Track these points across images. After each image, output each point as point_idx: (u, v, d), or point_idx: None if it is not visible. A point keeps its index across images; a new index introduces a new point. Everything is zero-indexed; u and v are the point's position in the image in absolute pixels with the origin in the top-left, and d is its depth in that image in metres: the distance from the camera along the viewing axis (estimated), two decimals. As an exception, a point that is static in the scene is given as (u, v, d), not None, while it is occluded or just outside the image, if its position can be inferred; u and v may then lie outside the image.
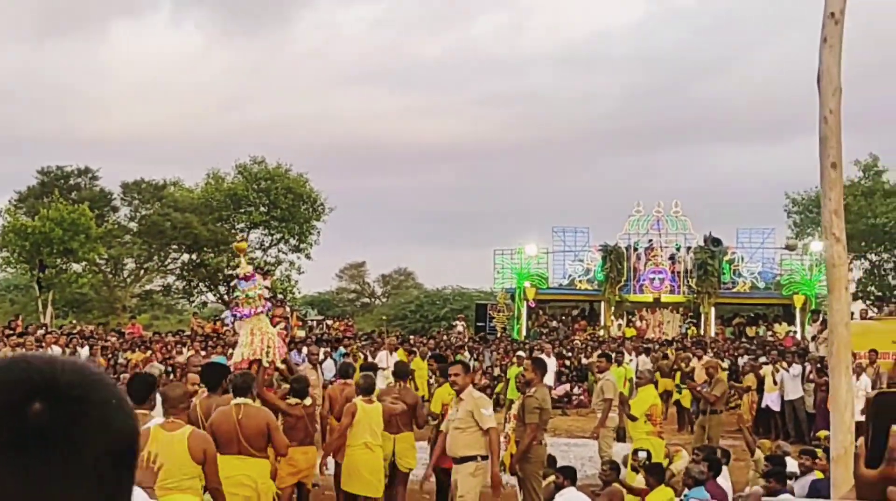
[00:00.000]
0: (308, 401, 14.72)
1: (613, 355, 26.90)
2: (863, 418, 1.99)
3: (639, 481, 16.05)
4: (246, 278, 14.20)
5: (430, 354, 31.09)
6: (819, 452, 15.41)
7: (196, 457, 9.92)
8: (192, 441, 9.97)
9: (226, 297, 59.74)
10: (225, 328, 42.26)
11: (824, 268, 7.19)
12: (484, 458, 13.63)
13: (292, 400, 14.51)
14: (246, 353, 13.79)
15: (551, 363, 34.08)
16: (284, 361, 15.10)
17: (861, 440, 1.97)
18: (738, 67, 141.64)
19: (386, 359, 29.28)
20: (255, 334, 13.86)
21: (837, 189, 6.54)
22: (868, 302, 53.87)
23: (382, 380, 21.89)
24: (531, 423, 14.96)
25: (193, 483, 9.98)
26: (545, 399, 15.32)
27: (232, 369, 13.07)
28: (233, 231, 63.59)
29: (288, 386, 15.09)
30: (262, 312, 13.97)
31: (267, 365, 13.84)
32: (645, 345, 38.87)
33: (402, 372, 17.53)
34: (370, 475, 14.76)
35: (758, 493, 2.34)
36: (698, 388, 24.81)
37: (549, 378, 33.16)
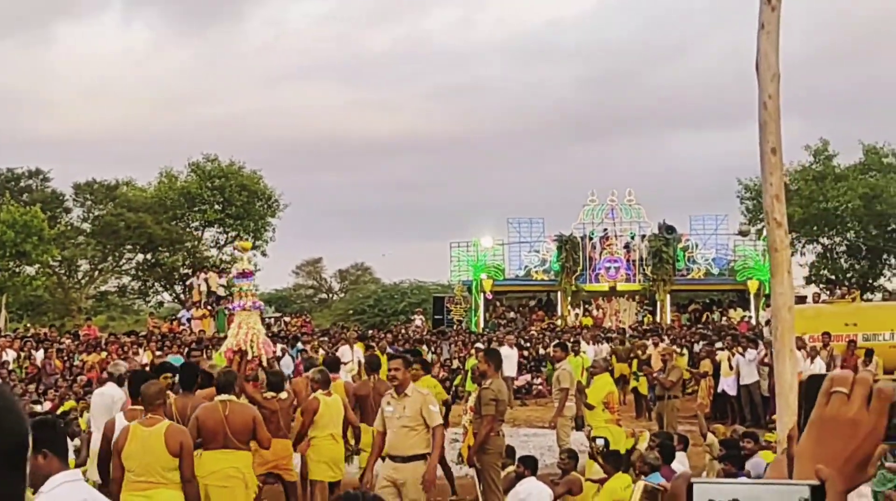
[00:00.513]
0: (283, 395, 15.11)
1: (570, 344, 26.91)
2: None
3: (597, 469, 16.15)
4: (244, 275, 14.91)
5: (404, 350, 31.13)
6: (768, 435, 15.57)
7: (173, 451, 10.40)
8: (169, 435, 10.47)
9: (182, 296, 59.50)
10: (182, 328, 42.17)
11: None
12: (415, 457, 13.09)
13: (268, 394, 14.88)
14: (230, 343, 14.50)
15: (513, 354, 34.19)
16: (268, 362, 15.80)
17: (795, 422, 2.02)
18: (690, 56, 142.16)
19: (349, 353, 29.38)
20: (241, 327, 14.45)
21: (777, 174, 6.60)
22: (821, 286, 54.22)
23: (346, 374, 22.11)
24: (487, 414, 14.99)
25: (174, 475, 10.45)
26: (501, 391, 15.31)
27: (223, 357, 13.91)
28: (187, 230, 63.41)
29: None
30: (253, 308, 14.60)
31: (250, 359, 14.41)
32: (604, 334, 38.97)
33: (374, 365, 17.96)
34: (336, 463, 15.51)
35: (686, 474, 2.38)
36: (654, 374, 24.99)
37: (512, 369, 33.32)
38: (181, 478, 10.54)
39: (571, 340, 31.61)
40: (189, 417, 12.43)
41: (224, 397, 12.51)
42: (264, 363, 15.75)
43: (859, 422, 1.79)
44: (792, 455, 1.95)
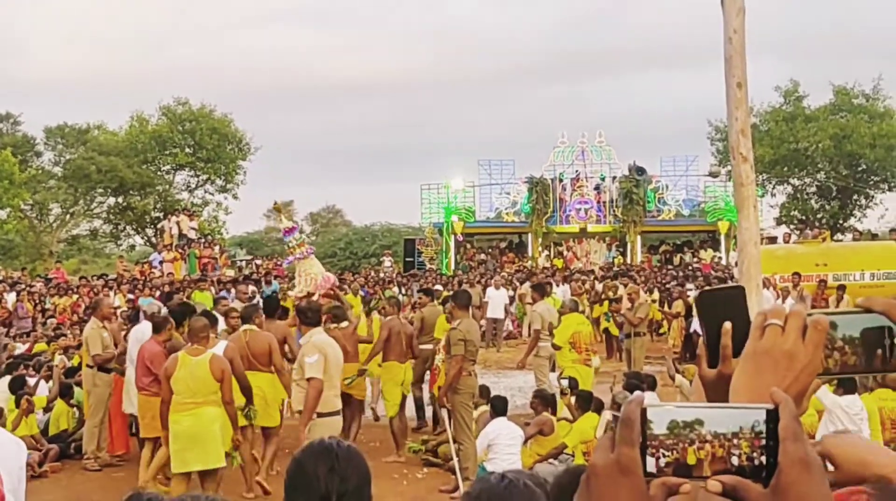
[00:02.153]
0: (345, 324, 16.82)
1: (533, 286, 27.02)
2: None
3: (564, 410, 16.24)
4: (289, 232, 16.63)
5: (418, 289, 31.18)
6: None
7: (216, 376, 12.34)
8: (213, 363, 12.38)
9: (153, 239, 59.44)
10: (153, 270, 42.12)
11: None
12: (321, 415, 12.37)
13: (331, 326, 16.04)
14: (298, 291, 16.62)
15: (499, 295, 34.32)
16: (332, 292, 17.42)
17: (702, 341, 2.02)
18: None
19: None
20: (301, 275, 16.58)
21: (743, 109, 6.59)
22: (791, 226, 54.46)
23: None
24: (456, 354, 14.94)
25: (216, 397, 12.40)
26: (469, 331, 15.20)
27: (295, 301, 15.79)
28: (158, 173, 63.16)
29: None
30: (306, 256, 16.38)
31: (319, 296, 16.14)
32: (573, 275, 39.08)
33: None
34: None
35: (639, 398, 2.36)
36: (622, 311, 25.11)
37: (500, 310, 33.43)
38: (222, 399, 12.46)
39: (544, 281, 31.71)
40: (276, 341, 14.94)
41: (245, 326, 14.90)
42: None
43: (795, 354, 1.79)
44: (705, 376, 1.96)
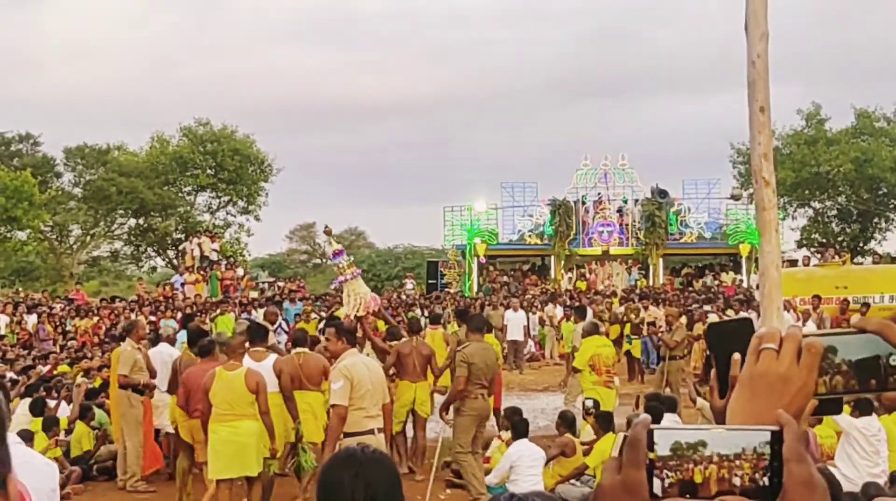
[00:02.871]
0: (403, 340, 18.34)
1: (574, 308, 27.11)
2: None
3: (589, 430, 16.26)
4: (338, 254, 17.45)
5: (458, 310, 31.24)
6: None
7: (251, 389, 13.12)
8: (248, 377, 13.21)
9: (175, 261, 59.46)
10: (174, 292, 42.16)
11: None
12: (347, 435, 12.17)
13: (388, 344, 18.09)
14: (346, 311, 17.13)
15: (519, 317, 34.37)
16: (379, 312, 18.38)
17: (713, 373, 2.05)
18: (686, 17, 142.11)
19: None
20: (349, 296, 17.02)
21: (766, 133, 6.62)
22: (812, 250, 54.30)
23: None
24: (459, 376, 15.08)
25: (252, 409, 13.19)
26: (474, 354, 15.17)
27: (343, 321, 15.81)
28: (179, 195, 63.22)
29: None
30: (353, 277, 17.14)
31: (362, 316, 16.84)
32: (594, 298, 39.11)
33: (415, 328, 18.79)
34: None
35: (646, 420, 2.36)
36: (659, 334, 25.15)
37: (519, 332, 33.46)
38: (259, 411, 13.22)
39: (577, 305, 31.66)
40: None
41: (299, 349, 16.03)
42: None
43: (790, 378, 1.81)
44: (716, 407, 1.99)
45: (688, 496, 1.62)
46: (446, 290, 50.20)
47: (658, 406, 15.05)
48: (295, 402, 14.60)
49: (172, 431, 16.43)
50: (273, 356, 15.11)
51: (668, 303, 36.01)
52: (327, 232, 19.63)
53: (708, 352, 2.07)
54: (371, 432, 12.50)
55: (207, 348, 15.30)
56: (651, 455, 1.63)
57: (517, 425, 15.11)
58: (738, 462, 1.61)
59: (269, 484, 14.27)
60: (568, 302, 36.88)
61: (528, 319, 35.96)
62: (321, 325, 23.41)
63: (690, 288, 46.43)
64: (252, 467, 13.38)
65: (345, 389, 12.18)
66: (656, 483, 1.62)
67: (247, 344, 14.94)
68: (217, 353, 15.08)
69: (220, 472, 13.33)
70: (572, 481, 15.09)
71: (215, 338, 16.05)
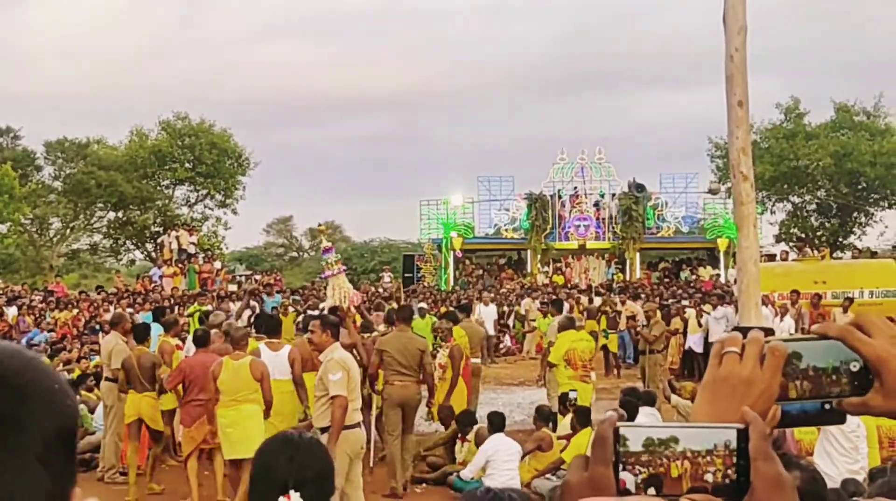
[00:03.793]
0: (375, 334, 18.52)
1: (550, 301, 27.14)
2: None
3: (565, 424, 16.27)
4: (327, 250, 18.56)
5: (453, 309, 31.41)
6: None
7: (256, 377, 14.02)
8: (252, 366, 14.11)
9: (153, 254, 59.42)
10: (153, 285, 42.12)
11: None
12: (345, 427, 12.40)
13: (365, 335, 18.15)
14: (329, 303, 18.00)
15: (490, 311, 34.40)
16: (357, 307, 18.70)
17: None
18: (662, 12, 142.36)
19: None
20: (334, 289, 17.94)
21: (744, 127, 6.60)
22: (790, 244, 54.41)
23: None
24: (373, 361, 16.27)
25: (256, 396, 14.10)
26: (387, 342, 16.19)
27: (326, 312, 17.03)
28: (157, 188, 63.14)
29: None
30: (339, 273, 18.14)
31: (346, 310, 17.42)
32: (571, 292, 39.16)
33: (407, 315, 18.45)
34: None
35: (612, 417, 2.34)
36: (638, 328, 25.22)
37: (490, 326, 33.49)
38: (263, 397, 14.11)
39: (554, 298, 31.70)
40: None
41: (308, 335, 14.94)
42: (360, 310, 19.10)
43: (753, 380, 1.80)
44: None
45: (653, 491, 1.60)
46: (421, 283, 50.22)
47: (633, 401, 15.08)
48: (305, 388, 15.02)
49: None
50: (288, 347, 15.80)
51: (647, 298, 36.08)
52: (321, 230, 20.76)
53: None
54: (358, 425, 12.73)
55: (203, 338, 16.03)
56: (622, 450, 1.61)
57: (493, 419, 15.19)
58: (709, 458, 1.59)
59: None
60: (544, 297, 36.88)
61: (499, 313, 36.04)
62: (299, 318, 23.51)
63: (668, 281, 46.51)
64: (254, 448, 13.24)
65: (344, 380, 12.25)
66: (629, 478, 1.61)
67: (254, 335, 16.11)
68: (212, 343, 16.06)
69: (228, 453, 14.21)
70: (548, 475, 15.10)
71: (226, 328, 16.77)
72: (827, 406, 1.86)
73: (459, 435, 16.53)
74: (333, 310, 17.32)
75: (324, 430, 12.34)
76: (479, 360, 20.11)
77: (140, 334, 17.15)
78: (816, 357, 1.84)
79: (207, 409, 14.55)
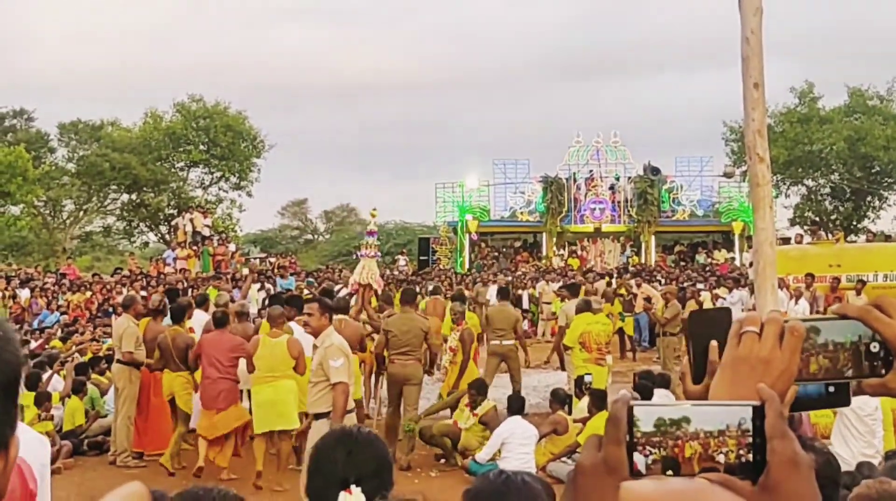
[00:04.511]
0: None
1: (566, 285, 27.07)
2: None
3: (581, 407, 16.25)
4: (371, 233, 20.27)
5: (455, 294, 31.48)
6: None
7: (292, 355, 14.81)
8: (289, 345, 14.89)
9: (167, 237, 59.45)
10: (167, 267, 42.15)
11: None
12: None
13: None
14: (355, 279, 19.82)
15: (495, 292, 34.29)
16: (376, 292, 20.10)
17: (685, 359, 2.02)
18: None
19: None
20: (364, 269, 19.69)
21: (760, 109, 6.59)
22: (804, 228, 54.33)
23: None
24: (378, 341, 17.30)
25: (291, 372, 14.88)
26: (392, 323, 16.85)
27: (349, 291, 19.46)
28: (172, 170, 63.15)
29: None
30: (373, 256, 19.96)
31: (369, 290, 19.41)
32: (586, 275, 39.08)
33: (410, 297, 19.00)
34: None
35: (625, 397, 2.34)
36: (652, 310, 25.24)
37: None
38: (297, 373, 14.78)
39: (570, 283, 31.61)
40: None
41: (340, 316, 16.46)
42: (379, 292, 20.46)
43: (772, 361, 1.78)
44: (689, 392, 1.95)
45: (670, 473, 1.59)
46: (435, 267, 50.20)
47: (647, 384, 15.09)
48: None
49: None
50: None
51: (664, 281, 36.04)
52: (373, 214, 21.99)
53: (685, 338, 2.04)
54: (352, 410, 12.64)
55: (223, 320, 16.40)
56: (636, 432, 1.60)
57: (510, 401, 15.23)
58: (722, 439, 1.58)
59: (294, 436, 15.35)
60: (560, 280, 36.76)
61: (514, 297, 35.91)
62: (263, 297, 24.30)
63: (684, 265, 46.48)
64: (291, 420, 14.92)
65: (346, 366, 12.19)
66: (640, 459, 1.60)
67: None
68: (231, 323, 16.61)
69: (260, 427, 15.04)
70: (564, 459, 15.10)
71: (237, 308, 18.28)
72: (831, 389, 1.86)
73: (468, 402, 16.51)
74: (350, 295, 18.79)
75: (319, 416, 12.30)
76: (512, 341, 20.07)
77: (177, 314, 17.36)
78: (836, 335, 1.84)
79: (221, 388, 15.56)
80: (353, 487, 4.26)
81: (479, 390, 16.34)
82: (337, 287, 31.03)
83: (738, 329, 1.84)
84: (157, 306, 17.77)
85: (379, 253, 19.98)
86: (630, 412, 1.61)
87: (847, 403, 1.90)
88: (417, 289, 26.97)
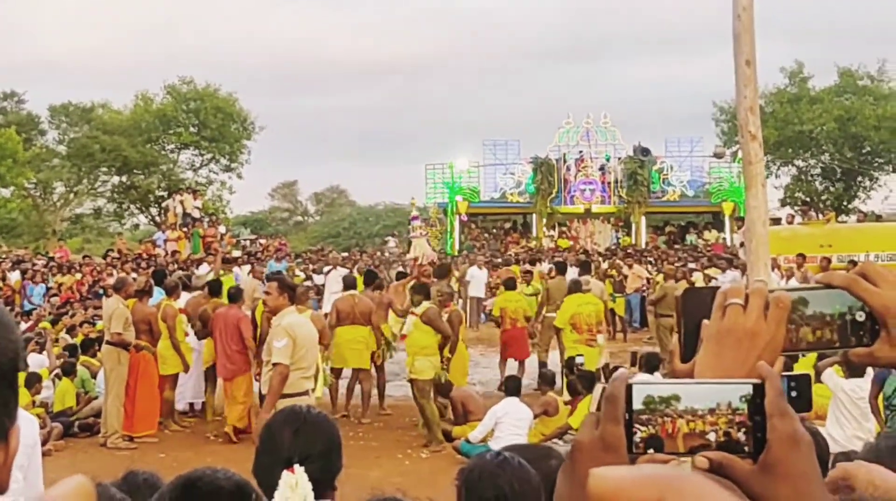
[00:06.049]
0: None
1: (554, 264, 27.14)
2: None
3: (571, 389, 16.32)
4: (414, 218, 23.56)
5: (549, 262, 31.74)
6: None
7: (317, 327, 15.00)
8: (314, 319, 15.67)
9: (157, 218, 59.43)
10: (157, 249, 42.15)
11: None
12: (285, 396, 11.78)
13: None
14: (412, 255, 22.14)
15: (481, 275, 34.24)
16: (432, 262, 22.17)
17: (675, 337, 2.00)
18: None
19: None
20: (415, 247, 22.58)
21: (752, 86, 6.57)
22: (795, 208, 54.42)
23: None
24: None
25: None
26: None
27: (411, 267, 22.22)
28: (162, 152, 63.13)
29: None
30: (422, 236, 22.03)
31: (422, 264, 21.74)
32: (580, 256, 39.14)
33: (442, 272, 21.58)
34: None
35: (623, 375, 2.34)
36: (644, 292, 25.44)
37: (480, 290, 33.39)
38: (321, 341, 15.45)
39: (558, 261, 31.66)
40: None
41: (352, 292, 19.79)
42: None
43: (758, 332, 1.76)
44: (677, 371, 1.93)
45: (652, 451, 1.57)
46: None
47: (655, 364, 15.17)
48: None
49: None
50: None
51: (656, 262, 36.12)
52: (412, 203, 24.49)
53: (675, 316, 2.01)
54: (306, 393, 12.33)
55: (236, 295, 18.49)
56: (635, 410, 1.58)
57: (508, 383, 15.33)
58: (711, 418, 1.56)
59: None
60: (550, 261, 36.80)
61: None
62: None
63: (677, 246, 46.55)
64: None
65: (288, 347, 11.92)
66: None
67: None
68: (243, 299, 18.75)
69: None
70: (555, 440, 15.12)
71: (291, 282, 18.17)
72: (794, 394, 1.83)
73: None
74: (402, 274, 21.49)
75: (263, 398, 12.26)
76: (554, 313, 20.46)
77: (214, 288, 19.52)
78: (822, 305, 1.82)
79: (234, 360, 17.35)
80: (296, 466, 4.27)
81: (420, 292, 17.73)
82: (326, 268, 31.27)
83: (723, 301, 1.82)
84: (143, 287, 17.82)
85: (426, 232, 20.51)
86: (629, 389, 1.59)
87: (808, 409, 1.88)
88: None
